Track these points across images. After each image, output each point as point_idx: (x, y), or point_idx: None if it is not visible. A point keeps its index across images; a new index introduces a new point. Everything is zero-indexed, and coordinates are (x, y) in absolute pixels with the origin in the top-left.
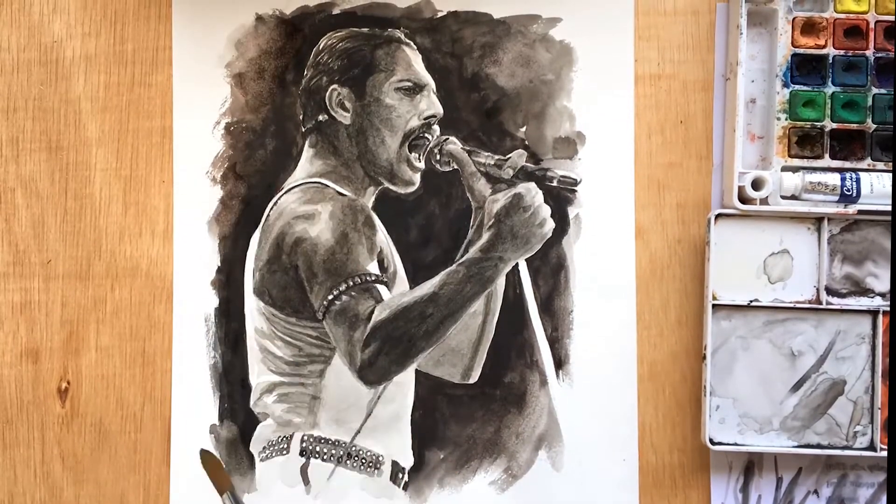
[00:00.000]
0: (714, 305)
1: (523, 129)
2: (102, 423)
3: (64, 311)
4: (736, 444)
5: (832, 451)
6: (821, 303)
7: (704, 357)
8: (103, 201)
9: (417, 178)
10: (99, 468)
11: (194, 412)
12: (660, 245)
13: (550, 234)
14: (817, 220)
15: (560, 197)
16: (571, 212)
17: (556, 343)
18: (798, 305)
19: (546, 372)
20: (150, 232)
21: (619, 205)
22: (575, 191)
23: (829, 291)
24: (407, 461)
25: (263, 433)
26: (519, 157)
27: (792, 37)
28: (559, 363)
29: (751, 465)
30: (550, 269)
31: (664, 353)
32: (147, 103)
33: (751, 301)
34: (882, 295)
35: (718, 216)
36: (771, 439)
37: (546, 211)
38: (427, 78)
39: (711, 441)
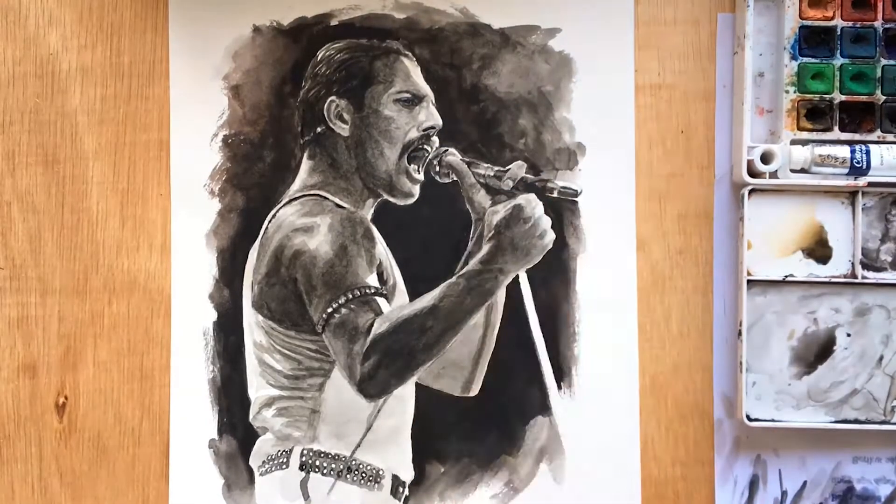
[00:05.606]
0: (749, 281)
1: (523, 140)
2: (101, 439)
3: (61, 326)
4: (773, 420)
5: (870, 425)
6: (856, 277)
7: (740, 333)
8: (100, 215)
9: (417, 189)
10: (97, 484)
11: (193, 427)
12: (661, 256)
13: (551, 246)
14: (851, 195)
15: (560, 208)
16: (572, 223)
17: (558, 355)
18: (833, 280)
19: (547, 384)
20: (147, 245)
21: (620, 216)
22: (576, 202)
23: (865, 265)
24: (407, 475)
25: (263, 447)
26: (519, 169)
27: (799, 9)
28: (560, 375)
29: (755, 479)
30: (551, 281)
31: (666, 365)
32: (144, 116)
33: (786, 276)
34: None
35: (752, 191)
36: (808, 415)
37: (546, 222)
38: (426, 89)
39: (748, 417)
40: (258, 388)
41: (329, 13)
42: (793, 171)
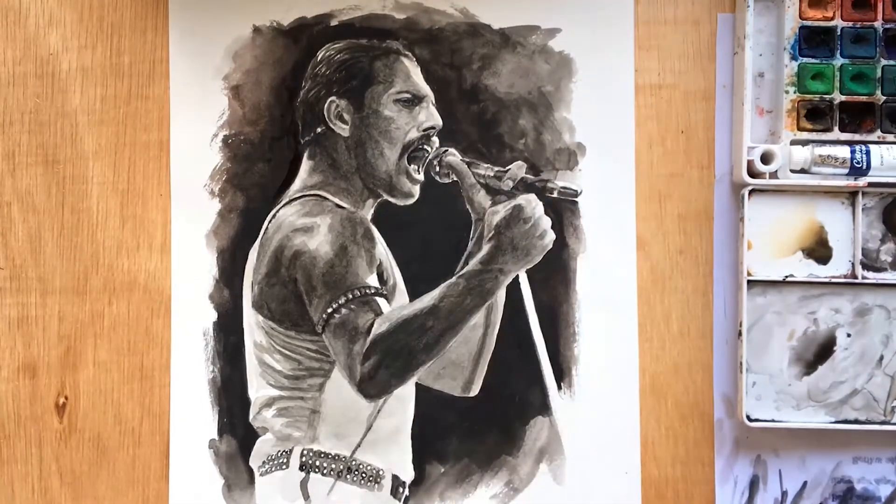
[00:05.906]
0: (749, 281)
1: (523, 140)
2: (101, 439)
3: (61, 326)
4: (773, 421)
5: (870, 426)
6: (856, 277)
7: (740, 333)
8: (100, 215)
9: (417, 190)
10: (97, 484)
11: (193, 427)
12: (661, 256)
13: (551, 246)
14: (851, 195)
15: (560, 208)
16: (572, 223)
17: (558, 355)
18: (833, 280)
19: (547, 384)
20: (147, 246)
21: (620, 216)
22: (576, 202)
23: (865, 266)
24: (407, 475)
25: (263, 448)
26: (519, 169)
27: (800, 9)
28: (560, 375)
29: (756, 479)
30: (551, 281)
31: (666, 364)
32: (144, 116)
33: (786, 277)
34: None
35: (752, 191)
36: (808, 415)
37: (546, 222)
38: (426, 89)
39: (748, 418)
40: (258, 389)
41: (329, 13)
42: (793, 171)
